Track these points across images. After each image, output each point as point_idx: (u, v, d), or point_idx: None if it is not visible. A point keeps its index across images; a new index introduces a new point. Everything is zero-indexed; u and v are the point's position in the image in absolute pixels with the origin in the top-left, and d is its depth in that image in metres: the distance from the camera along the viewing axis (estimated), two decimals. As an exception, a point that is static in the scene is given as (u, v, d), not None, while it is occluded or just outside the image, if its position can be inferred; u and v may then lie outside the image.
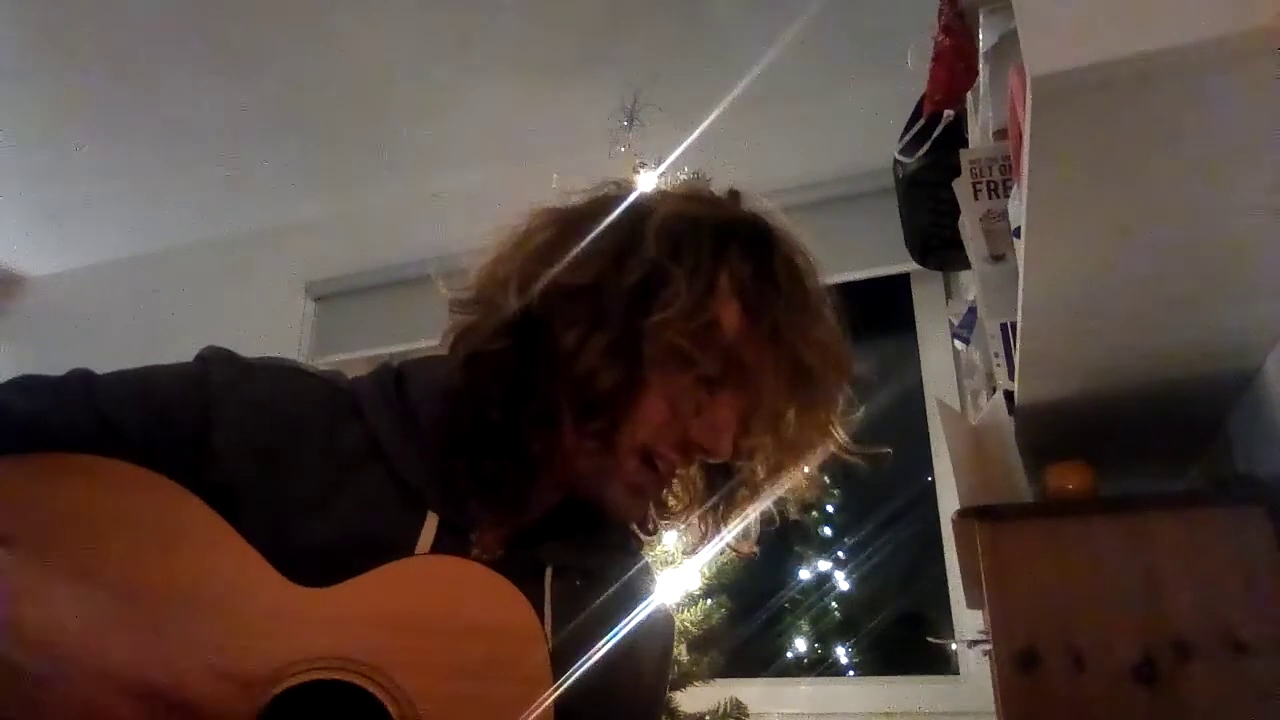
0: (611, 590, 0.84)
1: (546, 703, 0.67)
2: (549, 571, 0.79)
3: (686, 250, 0.74)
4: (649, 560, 0.93)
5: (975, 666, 2.08)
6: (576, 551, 0.82)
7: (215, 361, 0.76)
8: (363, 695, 0.65)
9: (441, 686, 0.65)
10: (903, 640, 2.49)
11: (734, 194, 0.83)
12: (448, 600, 0.69)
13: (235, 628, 0.64)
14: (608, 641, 0.80)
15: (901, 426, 2.46)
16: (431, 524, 0.74)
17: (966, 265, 1.44)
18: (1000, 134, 1.10)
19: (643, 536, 0.89)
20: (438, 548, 0.73)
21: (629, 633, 0.83)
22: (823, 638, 2.53)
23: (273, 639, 0.64)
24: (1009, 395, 1.18)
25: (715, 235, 0.76)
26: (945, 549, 2.26)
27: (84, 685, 0.56)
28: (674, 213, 0.76)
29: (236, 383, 0.75)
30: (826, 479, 0.87)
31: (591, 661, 0.76)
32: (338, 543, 0.70)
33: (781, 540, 2.65)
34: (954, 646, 2.17)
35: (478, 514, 0.77)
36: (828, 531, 2.67)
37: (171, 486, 0.67)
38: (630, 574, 0.88)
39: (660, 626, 0.90)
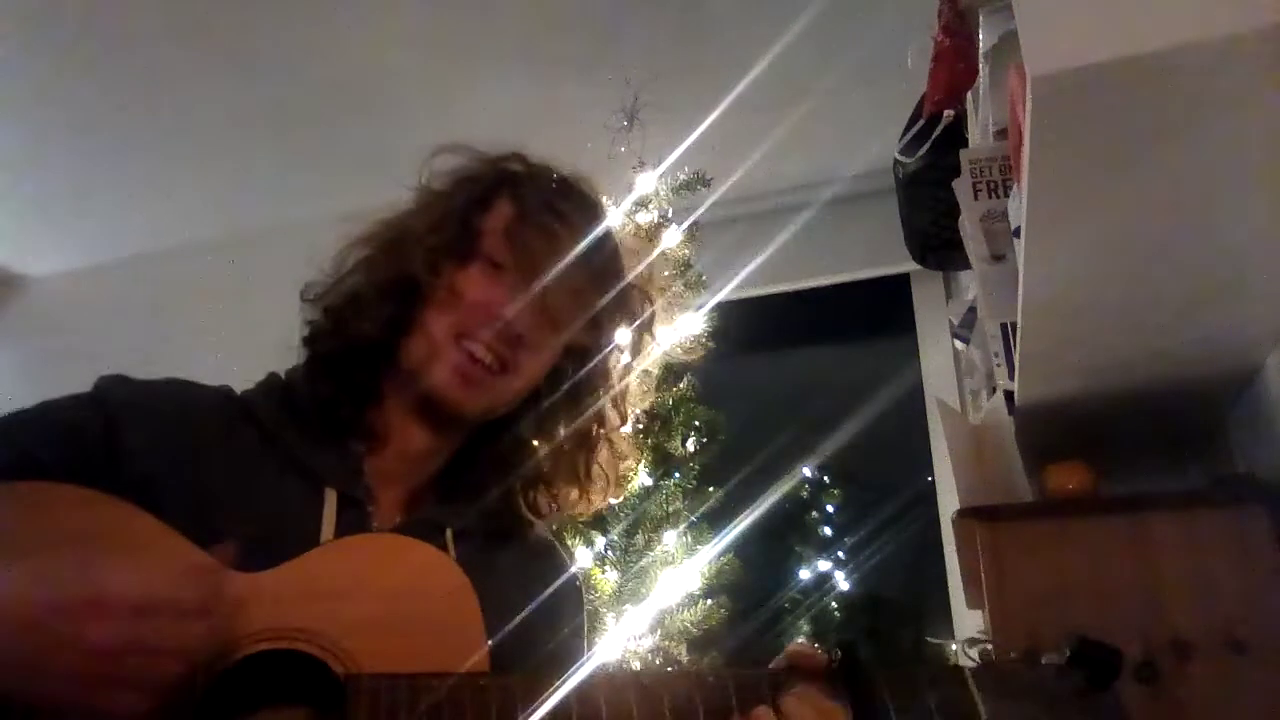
0: (513, 547, 0.91)
1: (482, 647, 0.72)
2: (450, 534, 0.85)
3: (465, 185, 0.93)
4: (549, 534, 0.99)
5: (975, 666, 2.08)
6: (472, 514, 0.88)
7: (109, 383, 0.82)
8: (309, 661, 0.68)
9: (383, 644, 0.69)
10: (903, 640, 2.49)
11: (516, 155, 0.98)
12: (380, 569, 0.74)
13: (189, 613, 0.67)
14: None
15: (901, 426, 2.46)
16: (331, 500, 0.80)
17: (966, 265, 1.44)
18: (1000, 134, 1.10)
19: (529, 513, 0.94)
20: (341, 521, 0.79)
21: (536, 581, 0.89)
22: (823, 638, 2.52)
23: (222, 620, 0.67)
24: (1009, 395, 1.18)
25: (491, 171, 0.94)
26: (945, 549, 2.26)
27: (45, 675, 0.58)
28: (459, 167, 0.95)
29: (133, 397, 0.80)
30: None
31: (509, 609, 0.80)
32: (249, 533, 0.73)
33: (782, 540, 2.65)
34: (954, 646, 2.17)
35: (367, 470, 0.84)
36: (828, 531, 2.67)
37: (108, 498, 0.71)
38: (532, 534, 0.94)
39: (565, 570, 0.96)
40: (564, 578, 0.94)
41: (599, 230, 0.92)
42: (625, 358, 0.98)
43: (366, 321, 0.87)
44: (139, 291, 3.32)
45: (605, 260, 0.92)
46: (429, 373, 0.84)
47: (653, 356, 1.01)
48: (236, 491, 0.77)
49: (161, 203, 3.11)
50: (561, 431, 0.94)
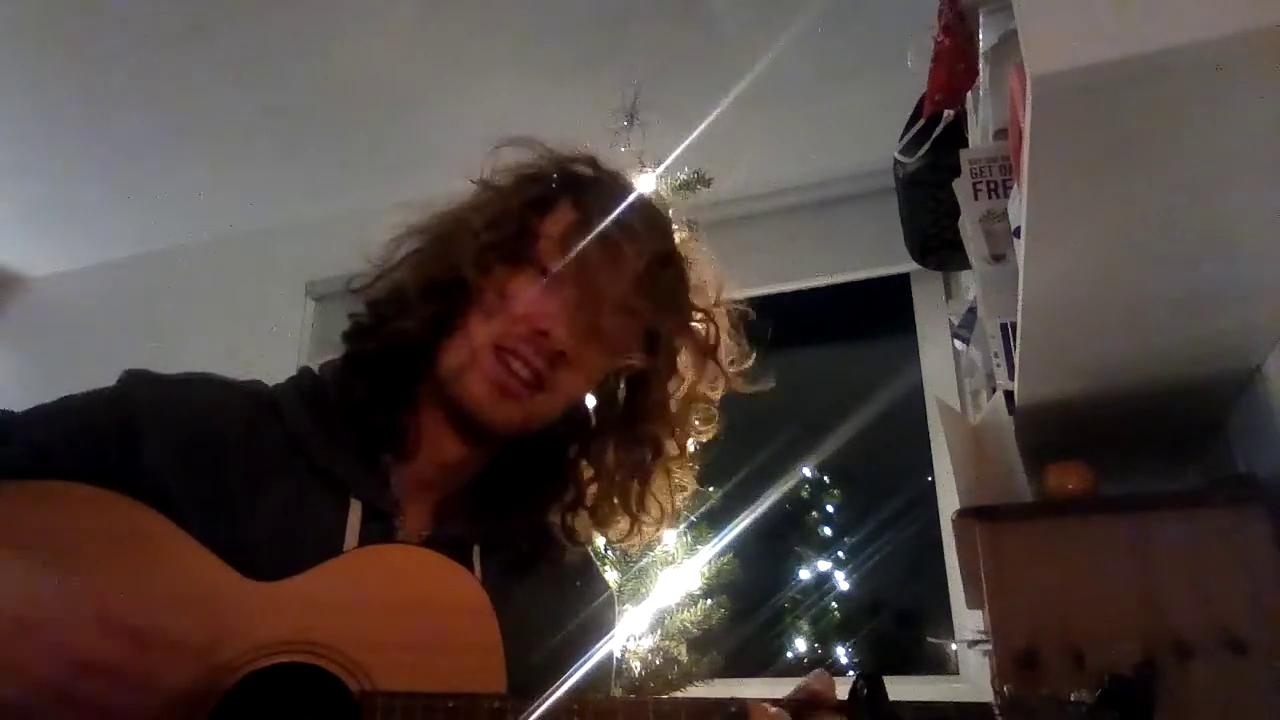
0: (545, 568, 0.87)
1: (500, 669, 0.71)
2: (477, 550, 0.82)
3: (526, 184, 0.88)
4: (588, 549, 0.95)
5: (975, 666, 2.08)
6: (501, 529, 0.84)
7: (132, 380, 0.80)
8: (324, 675, 0.67)
9: (398, 660, 0.68)
10: (903, 640, 2.49)
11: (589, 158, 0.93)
12: (399, 583, 0.73)
13: (200, 622, 0.67)
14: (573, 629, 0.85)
15: (901, 426, 2.46)
16: (356, 511, 0.77)
17: (966, 265, 1.44)
18: (1000, 134, 1.10)
19: (566, 538, 0.90)
20: (365, 534, 0.77)
21: (568, 605, 0.87)
22: (823, 638, 2.53)
23: (235, 629, 0.68)
24: (1009, 395, 1.18)
25: (556, 171, 0.90)
26: (945, 549, 2.26)
27: (58, 682, 0.57)
28: (523, 163, 0.90)
29: (156, 396, 0.78)
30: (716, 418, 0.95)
31: (534, 632, 0.79)
32: (268, 540, 0.73)
33: (782, 540, 2.65)
34: (954, 646, 2.17)
35: (394, 478, 0.81)
36: (828, 531, 2.67)
37: (123, 499, 0.70)
38: (567, 555, 0.90)
39: (600, 596, 0.93)
40: (596, 603, 0.91)
41: (663, 247, 0.87)
42: (685, 384, 0.91)
43: (409, 320, 0.83)
44: (139, 291, 3.32)
45: (667, 281, 0.87)
46: (463, 381, 0.80)
47: (716, 383, 0.94)
48: (257, 497, 0.75)
49: (161, 203, 3.11)
50: (611, 457, 0.89)
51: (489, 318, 0.81)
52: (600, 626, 0.90)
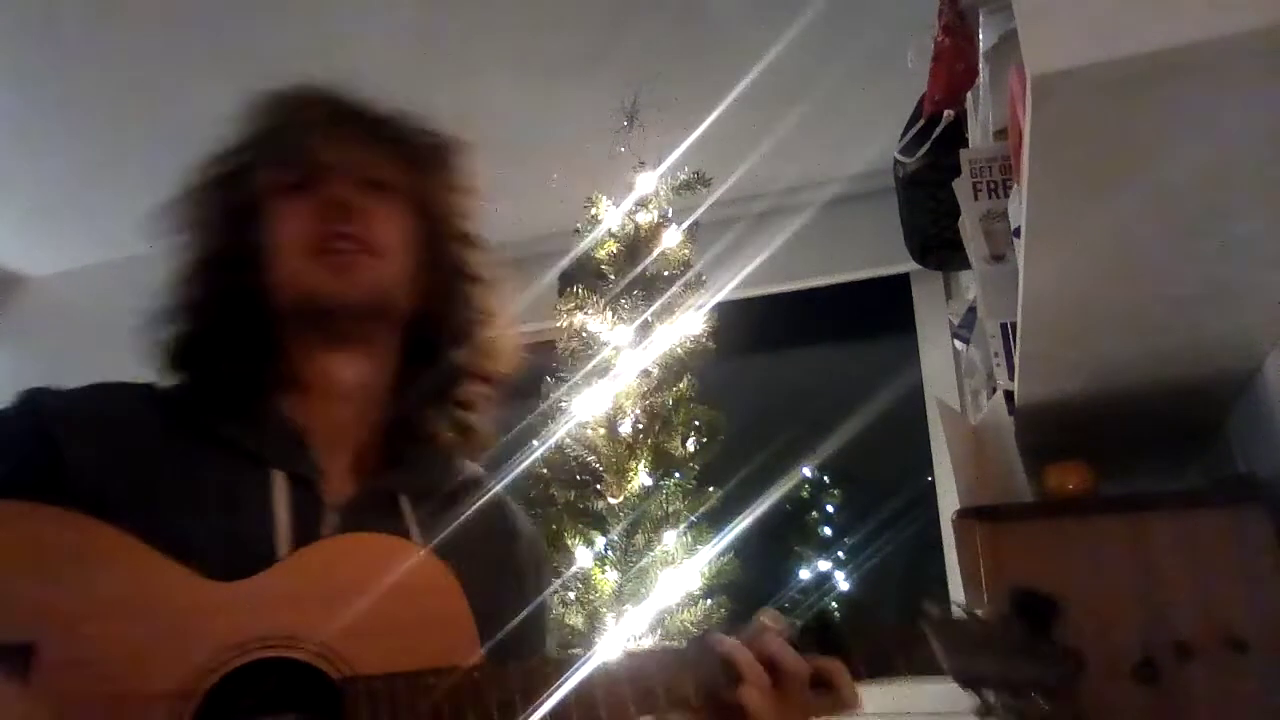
0: (469, 509, 0.89)
1: (473, 638, 0.73)
2: (405, 500, 0.84)
3: (254, 129, 0.98)
4: (494, 480, 0.97)
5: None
6: (424, 476, 0.87)
7: (33, 395, 0.79)
8: (303, 668, 0.68)
9: (376, 645, 0.69)
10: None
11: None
12: (365, 570, 0.73)
13: (168, 628, 0.67)
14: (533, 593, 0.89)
15: (901, 426, 2.46)
16: (280, 482, 0.78)
17: (966, 265, 1.44)
18: (1000, 134, 1.10)
19: (469, 415, 0.92)
20: (292, 503, 0.77)
21: (500, 544, 0.90)
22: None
23: (204, 631, 0.67)
24: (1009, 395, 1.18)
25: (272, 105, 0.99)
26: (945, 549, 2.26)
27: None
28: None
29: (62, 407, 0.78)
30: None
31: (485, 578, 0.80)
32: (206, 535, 0.72)
33: (782, 540, 2.65)
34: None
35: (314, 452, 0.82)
36: (828, 531, 2.67)
37: (67, 513, 0.69)
38: (485, 494, 0.92)
39: (526, 530, 0.96)
40: (521, 533, 0.94)
41: (388, 112, 0.99)
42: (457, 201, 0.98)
43: (227, 275, 0.87)
44: (139, 291, 3.32)
45: (407, 134, 0.98)
46: (302, 284, 0.82)
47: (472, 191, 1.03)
48: (186, 492, 0.75)
49: (161, 203, 3.11)
50: (451, 308, 0.92)
51: (287, 234, 0.85)
52: (531, 553, 0.94)
